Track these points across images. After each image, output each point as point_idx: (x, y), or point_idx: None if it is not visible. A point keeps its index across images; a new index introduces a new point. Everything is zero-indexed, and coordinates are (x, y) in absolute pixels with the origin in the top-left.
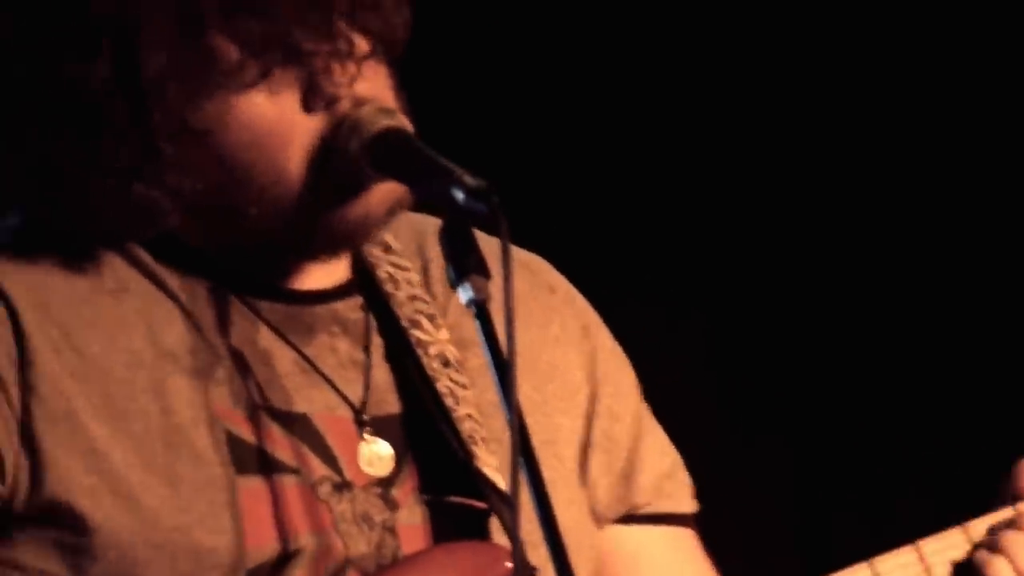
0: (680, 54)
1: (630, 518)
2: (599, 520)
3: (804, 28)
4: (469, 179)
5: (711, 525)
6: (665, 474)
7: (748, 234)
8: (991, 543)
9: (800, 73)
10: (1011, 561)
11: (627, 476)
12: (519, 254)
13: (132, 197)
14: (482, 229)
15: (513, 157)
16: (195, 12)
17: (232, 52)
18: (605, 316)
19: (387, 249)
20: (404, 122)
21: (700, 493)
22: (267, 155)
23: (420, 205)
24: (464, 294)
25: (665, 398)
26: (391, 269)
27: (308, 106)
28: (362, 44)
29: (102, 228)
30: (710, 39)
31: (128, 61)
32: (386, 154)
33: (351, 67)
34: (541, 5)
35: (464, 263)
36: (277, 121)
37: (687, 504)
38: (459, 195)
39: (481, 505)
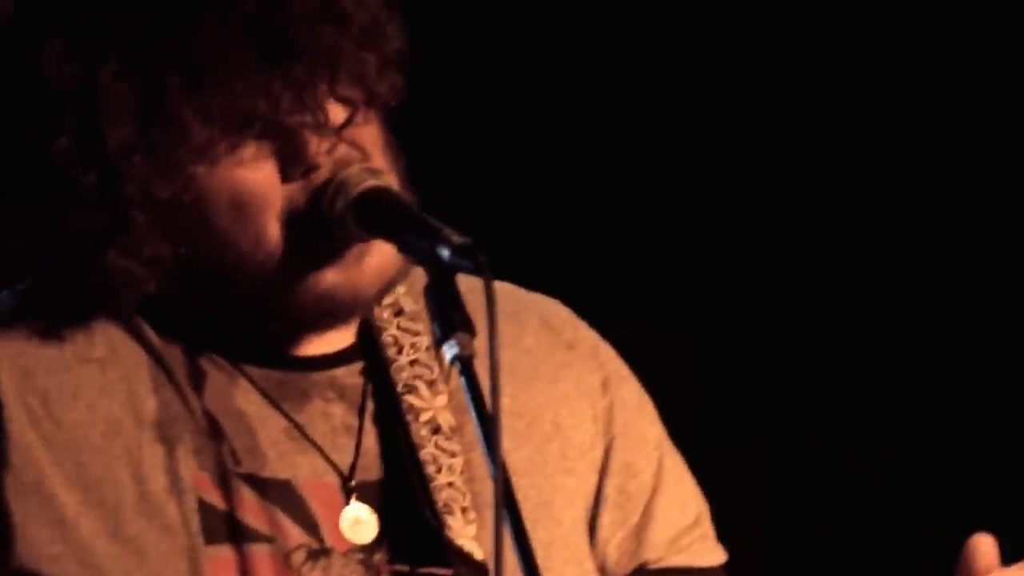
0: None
1: (642, 574)
2: None
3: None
4: (455, 237)
5: None
6: (685, 528)
7: (739, 248)
8: None
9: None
10: None
11: (640, 531)
12: (544, 309)
13: (106, 266)
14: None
15: (489, 180)
16: (157, 86)
17: (198, 127)
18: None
19: (398, 312)
20: (390, 181)
21: None
22: (245, 221)
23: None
24: (449, 351)
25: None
26: (397, 333)
27: (285, 175)
28: (339, 114)
29: (83, 296)
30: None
31: (92, 134)
32: (371, 213)
33: (328, 137)
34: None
35: (449, 321)
36: (253, 188)
37: (706, 558)
38: (444, 252)
39: (448, 574)
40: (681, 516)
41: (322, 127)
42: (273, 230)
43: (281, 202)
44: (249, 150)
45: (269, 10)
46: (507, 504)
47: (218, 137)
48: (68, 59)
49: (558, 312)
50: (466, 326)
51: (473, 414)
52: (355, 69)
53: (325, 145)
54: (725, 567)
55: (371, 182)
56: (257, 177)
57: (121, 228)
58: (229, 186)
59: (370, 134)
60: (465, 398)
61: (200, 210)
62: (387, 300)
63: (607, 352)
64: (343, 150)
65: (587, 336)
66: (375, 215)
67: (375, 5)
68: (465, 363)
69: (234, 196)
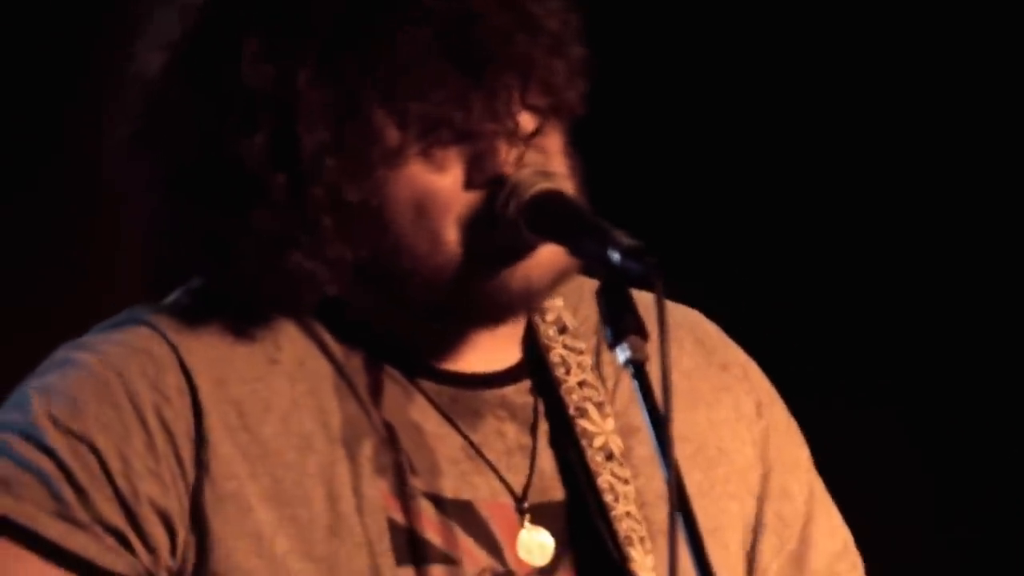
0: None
1: None
2: None
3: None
4: (625, 239)
5: None
6: (837, 554)
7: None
8: None
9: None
10: None
11: (799, 558)
12: (695, 326)
13: (290, 267)
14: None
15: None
16: (353, 92)
17: (392, 132)
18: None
19: (562, 329)
20: (563, 184)
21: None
22: (425, 223)
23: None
24: (622, 354)
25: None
26: (564, 352)
27: (470, 183)
28: (528, 123)
29: (264, 298)
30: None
31: (286, 136)
32: (543, 216)
33: (517, 146)
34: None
35: (621, 324)
36: (438, 191)
37: None
38: (614, 255)
39: None
40: (832, 542)
41: (512, 135)
42: (451, 234)
43: (460, 207)
44: (438, 155)
45: (464, 19)
46: (683, 511)
47: (410, 142)
48: (265, 59)
49: (707, 330)
50: (639, 329)
51: (646, 418)
52: (545, 77)
53: (514, 154)
54: None
55: (543, 185)
56: (443, 182)
57: (308, 230)
58: (414, 190)
59: (554, 141)
60: (638, 401)
61: (384, 214)
62: (550, 316)
63: (756, 372)
64: (530, 157)
65: (737, 356)
66: (546, 218)
67: (563, 13)
68: (638, 367)
69: (418, 200)
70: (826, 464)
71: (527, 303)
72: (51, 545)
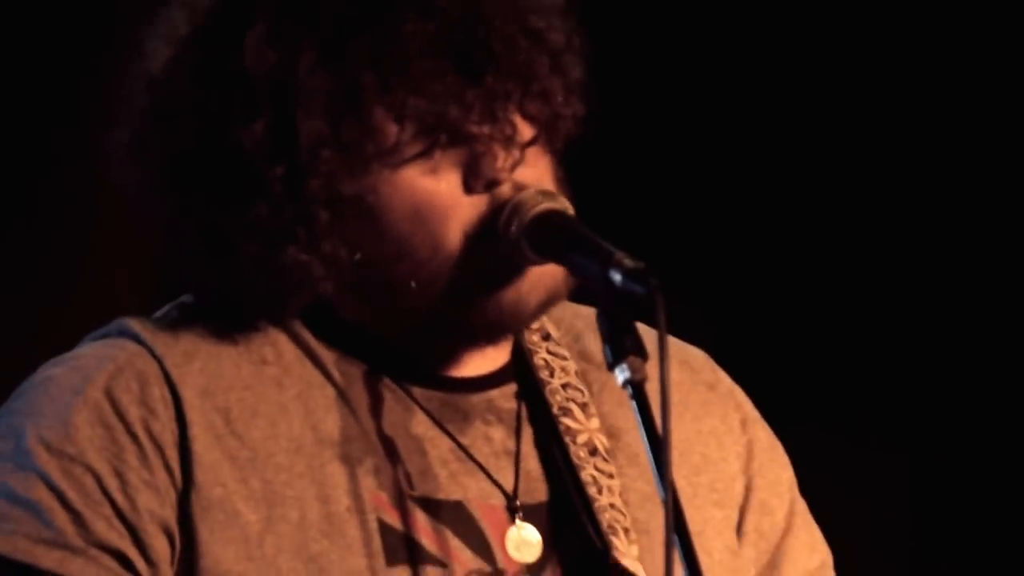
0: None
1: None
2: None
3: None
4: (627, 260)
5: None
6: (811, 572)
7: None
8: None
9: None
10: None
11: (771, 570)
12: (681, 351)
13: (284, 260)
14: (640, 317)
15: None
16: (353, 84)
17: (391, 128)
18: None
19: (546, 337)
20: (565, 204)
21: None
22: (426, 228)
23: (581, 295)
24: (621, 375)
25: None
26: (547, 356)
27: (468, 187)
28: (526, 131)
29: (256, 293)
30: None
31: (284, 125)
32: (545, 236)
33: (514, 152)
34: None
35: (621, 344)
36: (437, 196)
37: None
38: (616, 277)
39: None
40: (808, 560)
41: (510, 141)
42: (454, 240)
43: (464, 214)
44: (435, 159)
45: (470, 19)
46: (678, 529)
47: (408, 139)
48: (269, 45)
49: (695, 354)
50: (638, 350)
51: (644, 439)
52: (545, 88)
53: (510, 160)
54: None
55: (546, 204)
56: (440, 187)
57: (303, 223)
58: (412, 194)
59: (546, 160)
60: (636, 421)
61: (381, 216)
62: (535, 324)
63: (741, 394)
64: (525, 172)
65: (723, 378)
66: (548, 239)
67: (564, 30)
68: (637, 387)
69: (416, 205)
70: (815, 493)
71: (515, 322)
72: (49, 575)
